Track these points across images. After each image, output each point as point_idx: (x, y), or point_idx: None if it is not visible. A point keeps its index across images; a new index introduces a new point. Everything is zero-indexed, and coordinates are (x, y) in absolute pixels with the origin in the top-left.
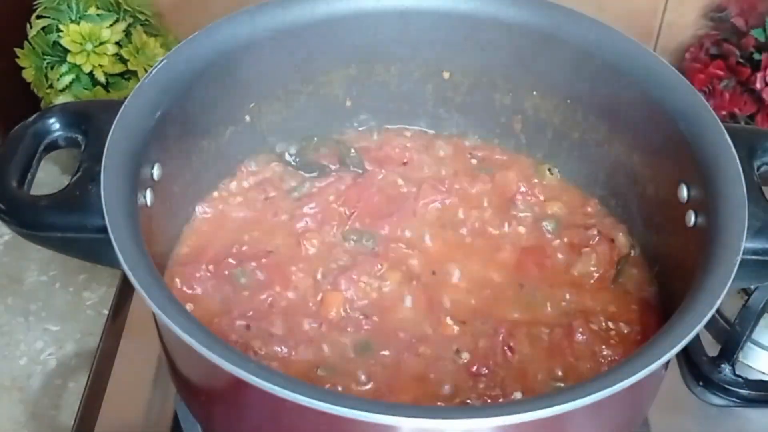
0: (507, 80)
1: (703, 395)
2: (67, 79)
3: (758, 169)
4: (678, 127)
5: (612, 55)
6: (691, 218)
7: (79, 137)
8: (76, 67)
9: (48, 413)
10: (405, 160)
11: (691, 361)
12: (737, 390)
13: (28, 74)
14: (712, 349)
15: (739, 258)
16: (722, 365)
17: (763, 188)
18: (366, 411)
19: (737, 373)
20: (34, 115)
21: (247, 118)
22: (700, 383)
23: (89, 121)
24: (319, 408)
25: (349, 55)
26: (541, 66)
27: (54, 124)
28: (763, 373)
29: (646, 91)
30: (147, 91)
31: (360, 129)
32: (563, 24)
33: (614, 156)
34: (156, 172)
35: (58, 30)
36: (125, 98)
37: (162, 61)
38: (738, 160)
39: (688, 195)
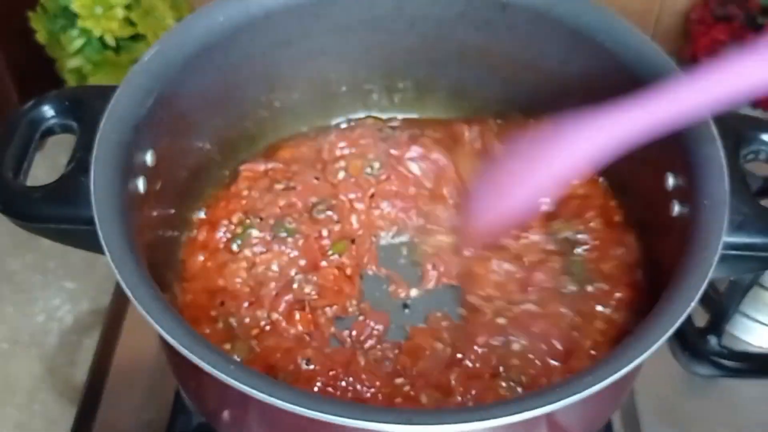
0: (504, 58)
1: (689, 365)
2: (78, 42)
3: (745, 158)
4: None
5: (605, 39)
6: (675, 208)
7: (74, 124)
8: (86, 31)
9: (64, 369)
10: None
11: (678, 332)
12: (722, 361)
13: (41, 37)
14: (701, 317)
15: (716, 258)
16: (709, 337)
17: None
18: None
19: (723, 344)
20: (29, 103)
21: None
22: (687, 353)
23: (83, 108)
24: (293, 411)
25: (343, 33)
26: (535, 45)
27: (49, 111)
28: (751, 344)
29: (636, 77)
30: (138, 78)
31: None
32: (557, 3)
33: None
34: (149, 158)
35: None
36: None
37: (154, 47)
38: (723, 155)
39: (674, 184)
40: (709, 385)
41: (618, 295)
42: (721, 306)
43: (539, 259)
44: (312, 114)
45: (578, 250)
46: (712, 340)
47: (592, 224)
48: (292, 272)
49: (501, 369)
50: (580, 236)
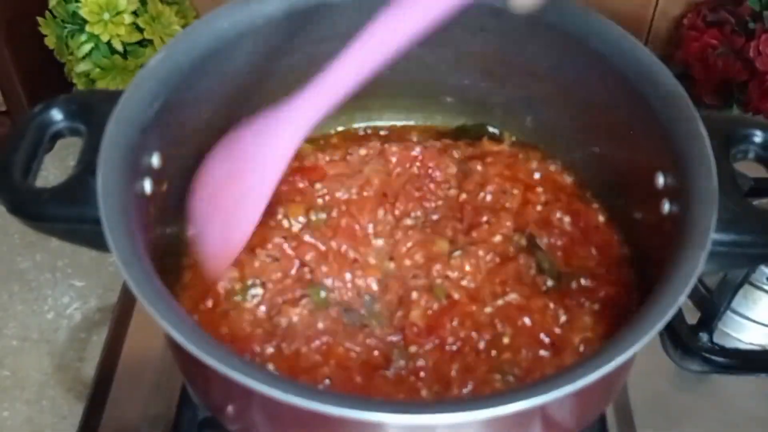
0: (499, 63)
1: (681, 362)
2: (87, 47)
3: (734, 157)
4: (655, 116)
5: (598, 44)
6: (666, 206)
7: (83, 127)
8: (94, 37)
9: (73, 365)
10: None
11: (670, 329)
12: (713, 357)
13: (50, 42)
14: (693, 315)
15: (705, 255)
16: (700, 333)
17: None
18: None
19: (715, 341)
20: (38, 106)
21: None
22: (679, 350)
23: (91, 112)
24: (298, 405)
25: (345, 40)
26: (530, 50)
27: (57, 114)
28: (741, 341)
29: (629, 81)
30: (145, 83)
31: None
32: (550, 8)
33: (594, 141)
34: (155, 161)
35: (77, 0)
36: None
37: (161, 52)
38: (712, 154)
39: (664, 183)
40: (700, 380)
41: (602, 293)
42: (712, 304)
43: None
44: None
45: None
46: (704, 337)
47: (559, 224)
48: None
49: (494, 360)
50: (545, 239)
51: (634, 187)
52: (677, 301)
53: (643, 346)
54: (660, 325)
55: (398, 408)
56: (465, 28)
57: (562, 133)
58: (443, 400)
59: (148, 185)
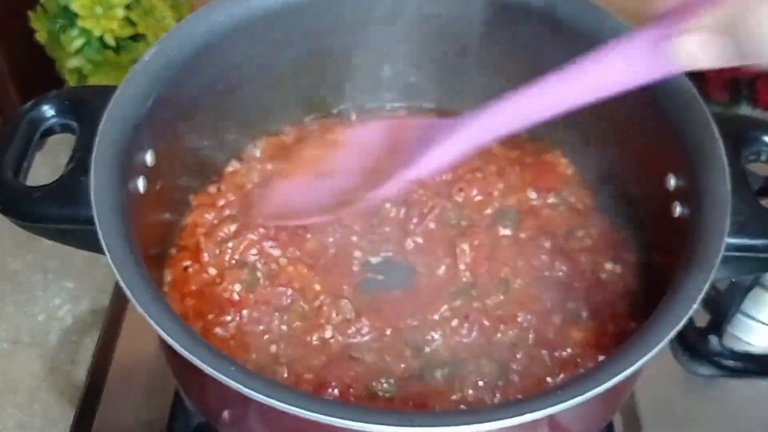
0: (504, 58)
1: (690, 365)
2: (78, 42)
3: (746, 159)
4: (668, 117)
5: (605, 40)
6: (677, 209)
7: (75, 124)
8: (86, 31)
9: (65, 368)
10: None
11: (679, 332)
12: (723, 361)
13: (41, 36)
14: (702, 318)
15: (718, 260)
16: (710, 337)
17: None
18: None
19: (724, 344)
20: (29, 102)
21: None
22: (688, 353)
23: (84, 108)
24: (293, 412)
25: (344, 33)
26: (536, 45)
27: (49, 110)
28: (751, 344)
29: None
30: (139, 78)
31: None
32: (560, 5)
33: (604, 141)
34: (149, 158)
35: None
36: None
37: (154, 47)
38: (725, 156)
39: (675, 185)
40: (709, 385)
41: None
42: (722, 306)
43: None
44: (311, 113)
45: None
46: (713, 340)
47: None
48: None
49: None
50: None
51: (645, 189)
52: (690, 309)
53: (655, 355)
54: (672, 333)
55: (402, 420)
56: (471, 23)
57: (572, 132)
58: (447, 412)
59: (141, 184)
